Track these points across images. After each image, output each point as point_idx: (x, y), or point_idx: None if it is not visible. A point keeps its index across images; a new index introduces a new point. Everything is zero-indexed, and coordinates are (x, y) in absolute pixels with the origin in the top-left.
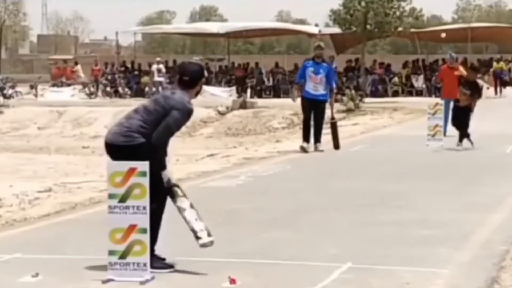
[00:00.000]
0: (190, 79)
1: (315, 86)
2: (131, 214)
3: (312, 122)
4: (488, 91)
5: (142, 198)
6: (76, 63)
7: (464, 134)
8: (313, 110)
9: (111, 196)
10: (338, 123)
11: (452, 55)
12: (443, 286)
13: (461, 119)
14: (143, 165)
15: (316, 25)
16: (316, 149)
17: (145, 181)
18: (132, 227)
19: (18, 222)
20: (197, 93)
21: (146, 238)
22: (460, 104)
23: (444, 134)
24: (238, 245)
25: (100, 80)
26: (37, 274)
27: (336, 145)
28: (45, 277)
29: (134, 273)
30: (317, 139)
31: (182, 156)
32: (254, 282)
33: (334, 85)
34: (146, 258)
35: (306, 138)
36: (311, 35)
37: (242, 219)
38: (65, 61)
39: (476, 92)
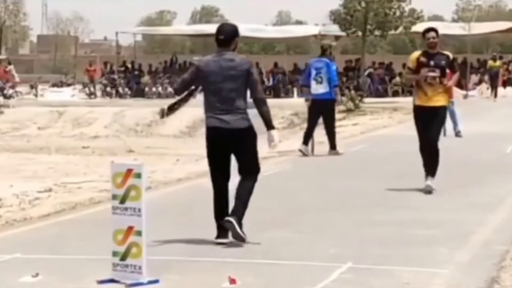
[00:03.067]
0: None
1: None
2: (129, 215)
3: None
4: (487, 91)
5: (138, 200)
6: (9, 63)
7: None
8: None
9: (113, 197)
10: (338, 123)
11: None
12: (443, 286)
13: (432, 129)
14: (138, 167)
15: (316, 25)
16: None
17: (140, 183)
18: (130, 229)
19: (18, 222)
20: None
21: (141, 240)
22: (428, 104)
23: (444, 134)
24: (238, 245)
25: (100, 80)
26: (37, 274)
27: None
28: (45, 277)
29: (131, 275)
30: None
31: (182, 156)
32: (254, 282)
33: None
34: (141, 261)
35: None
36: (311, 36)
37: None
38: None
39: (447, 67)
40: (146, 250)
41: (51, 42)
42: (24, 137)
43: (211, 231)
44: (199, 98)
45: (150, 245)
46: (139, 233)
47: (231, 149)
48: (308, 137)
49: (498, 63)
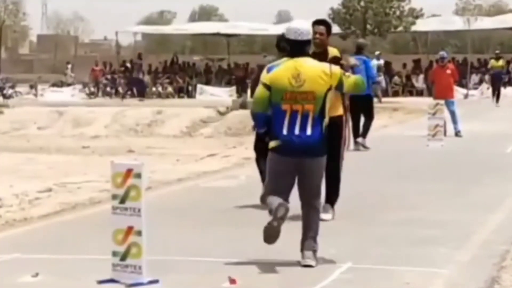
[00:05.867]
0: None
1: None
2: (129, 215)
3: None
4: (488, 91)
5: (138, 200)
6: None
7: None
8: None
9: (113, 196)
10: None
11: (443, 55)
12: (443, 286)
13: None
14: (138, 167)
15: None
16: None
17: (140, 183)
18: (130, 229)
19: (18, 222)
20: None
21: (141, 240)
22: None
23: (444, 134)
24: (238, 245)
25: (100, 80)
26: (37, 274)
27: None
28: (45, 277)
29: (131, 275)
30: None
31: (183, 156)
32: (254, 282)
33: None
34: (141, 261)
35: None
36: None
37: (242, 219)
38: None
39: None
40: (146, 250)
41: (51, 42)
42: (24, 137)
43: (211, 231)
44: (199, 98)
45: (150, 245)
46: (139, 233)
47: None
48: (356, 132)
49: (500, 62)
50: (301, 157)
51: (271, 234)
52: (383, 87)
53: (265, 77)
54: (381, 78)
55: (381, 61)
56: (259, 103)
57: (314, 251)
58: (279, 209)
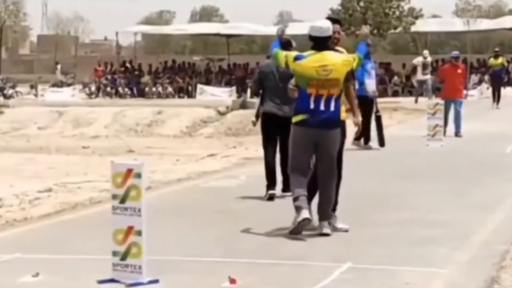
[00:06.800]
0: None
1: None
2: (129, 215)
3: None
4: (487, 91)
5: (138, 200)
6: None
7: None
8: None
9: (113, 196)
10: None
11: (457, 54)
12: (443, 286)
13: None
14: (138, 167)
15: None
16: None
17: (140, 183)
18: (130, 229)
19: (18, 222)
20: None
21: (141, 240)
22: None
23: (444, 134)
24: (238, 245)
25: (101, 80)
26: (37, 274)
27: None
28: (45, 277)
29: (131, 275)
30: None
31: (183, 156)
32: (254, 282)
33: None
34: (141, 260)
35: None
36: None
37: (242, 219)
38: None
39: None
40: (146, 250)
41: (51, 42)
42: (24, 137)
43: (211, 231)
44: (199, 98)
45: (150, 245)
46: (139, 233)
47: (282, 131)
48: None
49: (500, 60)
50: (322, 128)
51: (296, 233)
52: (428, 87)
53: (292, 62)
54: (428, 77)
55: (428, 59)
56: (278, 63)
57: (329, 221)
58: (301, 223)
